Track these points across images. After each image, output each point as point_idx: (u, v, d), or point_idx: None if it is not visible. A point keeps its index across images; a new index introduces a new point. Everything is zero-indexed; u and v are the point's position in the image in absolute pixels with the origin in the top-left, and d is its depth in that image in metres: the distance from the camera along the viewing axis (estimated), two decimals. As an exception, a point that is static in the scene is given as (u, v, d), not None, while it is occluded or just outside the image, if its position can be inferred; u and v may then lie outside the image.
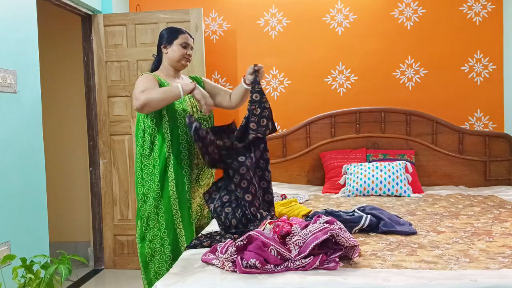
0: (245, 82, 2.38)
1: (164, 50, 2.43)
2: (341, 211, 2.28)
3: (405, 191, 3.17)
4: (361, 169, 3.29)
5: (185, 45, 2.42)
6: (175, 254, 2.34)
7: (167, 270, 2.33)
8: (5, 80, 2.46)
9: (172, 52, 2.41)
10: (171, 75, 2.44)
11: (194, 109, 2.42)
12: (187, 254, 1.89)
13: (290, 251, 1.64)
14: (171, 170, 2.34)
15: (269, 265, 1.58)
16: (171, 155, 2.34)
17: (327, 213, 2.20)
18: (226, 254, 1.66)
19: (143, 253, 2.37)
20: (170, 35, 2.42)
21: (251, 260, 1.57)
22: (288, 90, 3.93)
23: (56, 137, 4.10)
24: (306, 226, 1.74)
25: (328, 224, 1.73)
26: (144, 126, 2.34)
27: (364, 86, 3.86)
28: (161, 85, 2.33)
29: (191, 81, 2.46)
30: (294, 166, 3.78)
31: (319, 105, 3.85)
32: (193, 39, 2.49)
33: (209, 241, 1.99)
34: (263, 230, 1.81)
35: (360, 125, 3.73)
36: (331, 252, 1.64)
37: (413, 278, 1.51)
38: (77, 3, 3.38)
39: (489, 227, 2.21)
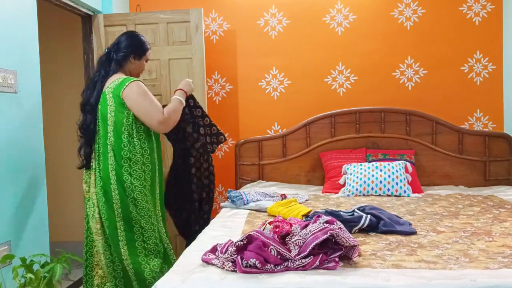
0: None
1: (131, 60, 2.55)
2: (341, 211, 2.29)
3: (404, 191, 3.17)
4: (361, 169, 3.29)
5: (147, 60, 2.63)
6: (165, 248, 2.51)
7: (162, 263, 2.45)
8: (5, 80, 2.46)
9: (138, 66, 2.59)
10: None
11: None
12: (187, 253, 1.89)
13: (290, 251, 1.64)
14: (158, 175, 2.51)
15: (269, 265, 1.58)
16: (157, 160, 2.50)
17: (327, 213, 2.21)
18: (226, 253, 1.66)
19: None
20: (141, 48, 2.56)
21: (251, 260, 1.57)
22: (288, 90, 3.93)
23: (56, 137, 4.09)
24: (306, 226, 1.74)
25: (328, 224, 1.73)
26: (131, 132, 2.39)
27: (364, 86, 3.86)
28: None
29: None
30: (294, 166, 3.78)
31: (319, 105, 3.85)
32: None
33: None
34: (263, 230, 1.82)
35: (360, 125, 3.73)
36: (331, 252, 1.64)
37: (413, 278, 1.51)
38: (77, 3, 3.38)
39: (488, 227, 2.21)
